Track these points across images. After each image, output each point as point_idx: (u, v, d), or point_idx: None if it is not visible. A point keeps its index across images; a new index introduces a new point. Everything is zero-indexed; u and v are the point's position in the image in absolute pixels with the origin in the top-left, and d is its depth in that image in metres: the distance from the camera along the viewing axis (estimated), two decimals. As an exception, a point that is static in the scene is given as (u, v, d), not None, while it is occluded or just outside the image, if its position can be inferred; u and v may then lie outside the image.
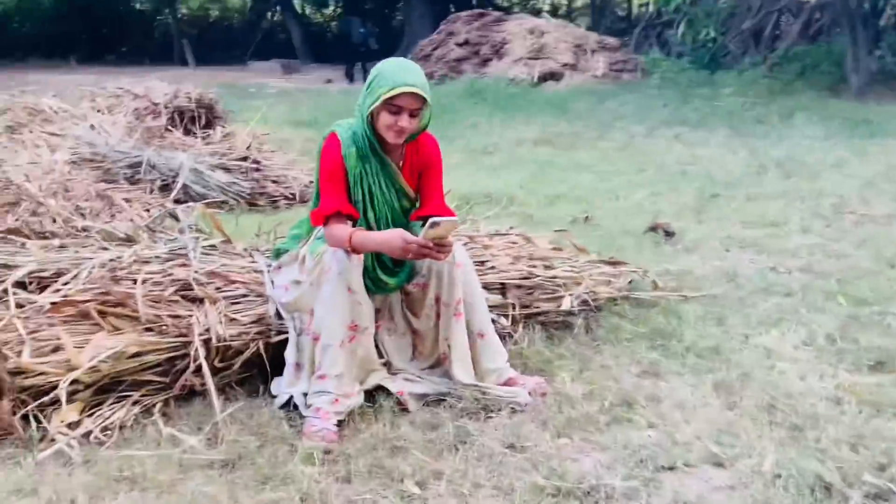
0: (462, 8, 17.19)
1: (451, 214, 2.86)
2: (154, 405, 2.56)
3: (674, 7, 13.29)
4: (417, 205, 2.89)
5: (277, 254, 3.04)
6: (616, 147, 7.89)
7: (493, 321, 3.18)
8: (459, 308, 2.79)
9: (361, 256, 2.66)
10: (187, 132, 7.24)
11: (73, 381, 2.43)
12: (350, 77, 16.83)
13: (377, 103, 2.59)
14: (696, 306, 3.57)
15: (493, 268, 3.40)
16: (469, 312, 2.82)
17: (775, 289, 3.81)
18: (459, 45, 13.64)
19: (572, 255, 3.80)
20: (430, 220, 2.44)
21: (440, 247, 2.52)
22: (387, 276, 2.81)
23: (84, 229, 3.08)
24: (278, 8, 24.36)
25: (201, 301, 2.79)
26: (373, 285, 2.79)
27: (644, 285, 3.75)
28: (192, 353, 2.57)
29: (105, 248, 2.94)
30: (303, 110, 10.75)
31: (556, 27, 13.59)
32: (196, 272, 2.80)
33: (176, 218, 3.21)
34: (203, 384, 2.67)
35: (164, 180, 5.49)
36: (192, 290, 2.82)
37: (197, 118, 7.41)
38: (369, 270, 2.75)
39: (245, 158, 5.55)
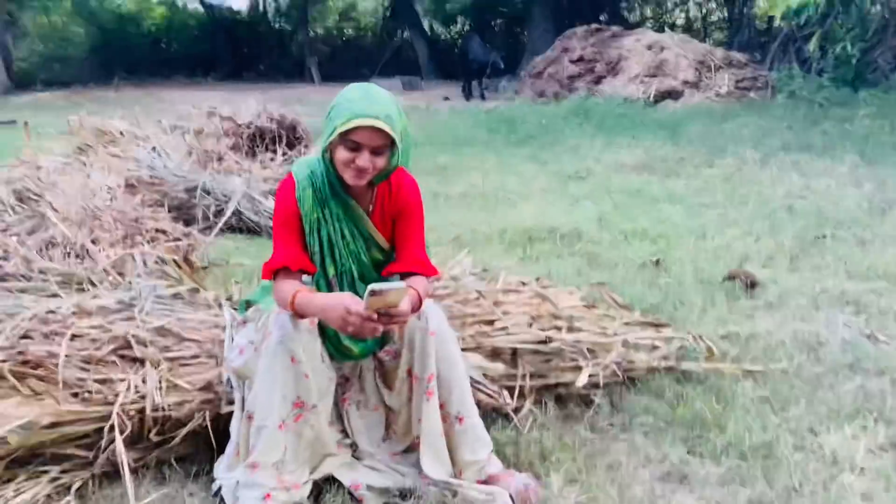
0: (586, 24, 16.56)
1: (429, 270, 2.42)
2: (72, 484, 2.26)
3: (803, 19, 12.07)
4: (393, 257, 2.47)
5: (245, 306, 2.70)
6: (721, 175, 7.09)
7: (492, 396, 2.71)
8: (431, 385, 2.34)
9: (314, 319, 2.26)
10: (267, 151, 7.16)
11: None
12: (467, 95, 16.58)
13: (332, 137, 2.20)
14: (754, 385, 2.93)
15: (504, 329, 2.90)
16: (445, 391, 2.36)
17: (864, 364, 3.08)
18: (573, 61, 13.05)
19: (611, 313, 3.23)
20: (369, 288, 2.02)
21: (388, 318, 2.09)
22: (351, 341, 2.38)
23: (41, 272, 2.86)
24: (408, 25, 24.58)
25: (143, 362, 2.47)
26: (336, 352, 2.40)
27: (697, 354, 3.12)
28: (109, 424, 2.25)
29: (55, 295, 2.70)
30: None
31: (679, 42, 12.71)
32: (139, 327, 2.48)
33: (143, 262, 2.94)
34: (137, 460, 2.37)
35: (218, 206, 5.34)
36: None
37: (278, 138, 7.32)
38: (329, 335, 2.35)
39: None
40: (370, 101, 2.19)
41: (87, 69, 22.48)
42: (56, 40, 24.28)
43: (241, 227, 5.28)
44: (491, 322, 2.94)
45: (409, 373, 2.39)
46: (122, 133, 5.68)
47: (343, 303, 2.07)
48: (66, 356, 2.36)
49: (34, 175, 5.24)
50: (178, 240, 4.19)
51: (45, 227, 4.10)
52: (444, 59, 23.09)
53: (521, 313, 3.00)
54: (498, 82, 17.44)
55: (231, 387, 2.47)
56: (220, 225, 5.07)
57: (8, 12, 22.54)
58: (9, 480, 2.23)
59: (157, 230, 4.21)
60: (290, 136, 7.49)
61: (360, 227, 2.40)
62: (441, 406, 2.35)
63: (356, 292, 2.45)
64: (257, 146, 7.21)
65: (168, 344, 2.56)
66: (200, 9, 26.86)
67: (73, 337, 2.47)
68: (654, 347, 3.10)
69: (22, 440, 2.22)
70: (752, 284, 4.02)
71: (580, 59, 12.98)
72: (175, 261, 2.96)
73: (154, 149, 5.55)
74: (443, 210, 5.91)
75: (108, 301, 2.62)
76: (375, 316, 2.07)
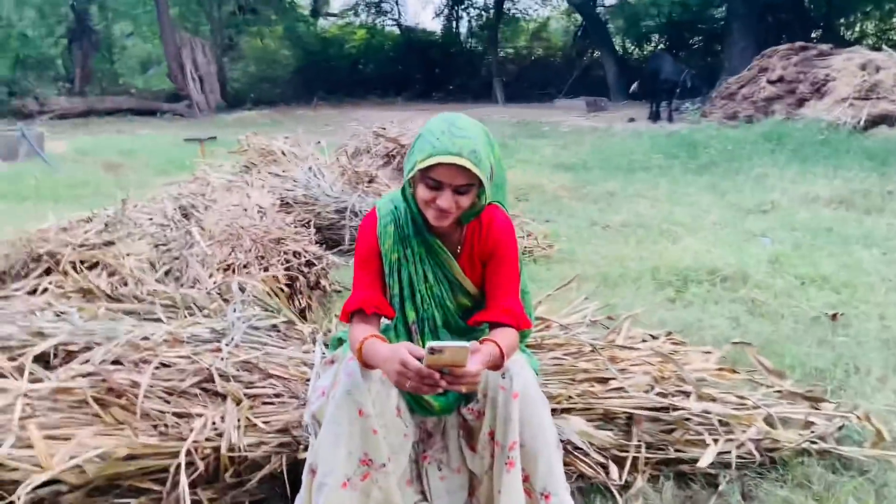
0: (792, 41, 15.25)
1: (520, 321, 2.14)
2: (145, 518, 2.21)
3: None
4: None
5: (337, 343, 2.55)
6: (935, 215, 6.11)
7: (598, 469, 2.36)
8: (513, 454, 2.05)
9: None
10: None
11: (55, 481, 2.15)
12: (654, 117, 15.82)
13: (412, 173, 1.99)
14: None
15: (619, 390, 2.54)
16: (529, 462, 2.06)
17: None
18: (772, 82, 12.01)
19: (758, 378, 2.75)
20: (428, 345, 1.78)
21: (453, 378, 1.83)
22: (431, 395, 2.15)
23: (151, 293, 2.87)
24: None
25: (225, 398, 2.38)
26: (416, 405, 2.18)
27: (862, 436, 2.57)
28: (177, 463, 2.16)
29: (157, 320, 2.69)
30: (573, 152, 10.16)
31: (898, 61, 11.30)
32: (224, 360, 2.39)
33: (241, 289, 2.87)
34: (212, 500, 2.28)
35: (365, 227, 5.31)
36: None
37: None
38: (409, 387, 2.13)
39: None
40: (453, 136, 1.96)
41: (291, 89, 24.08)
42: (267, 62, 26.27)
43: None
44: (605, 381, 2.59)
45: (492, 436, 2.12)
46: (283, 153, 5.83)
47: (400, 356, 1.83)
48: (150, 387, 2.31)
49: (199, 192, 5.51)
50: (312, 264, 4.15)
51: (190, 244, 4.22)
52: (634, 80, 22.34)
53: (642, 373, 2.61)
54: (685, 104, 16.52)
55: (308, 432, 2.32)
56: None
57: (228, 37, 24.69)
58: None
59: (294, 252, 4.20)
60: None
61: (445, 270, 2.17)
62: (524, 479, 2.06)
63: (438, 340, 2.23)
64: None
65: (253, 380, 2.45)
66: (397, 31, 27.96)
67: (161, 366, 2.42)
68: (809, 423, 2.58)
69: (98, 470, 2.19)
70: (952, 353, 3.32)
71: (780, 80, 11.92)
72: (276, 290, 2.87)
73: (310, 169, 5.64)
74: (596, 241, 5.52)
75: (201, 329, 2.56)
76: (437, 375, 1.82)
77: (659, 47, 24.78)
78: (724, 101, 12.71)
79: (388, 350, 1.91)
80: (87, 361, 2.39)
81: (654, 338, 2.84)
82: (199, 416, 2.32)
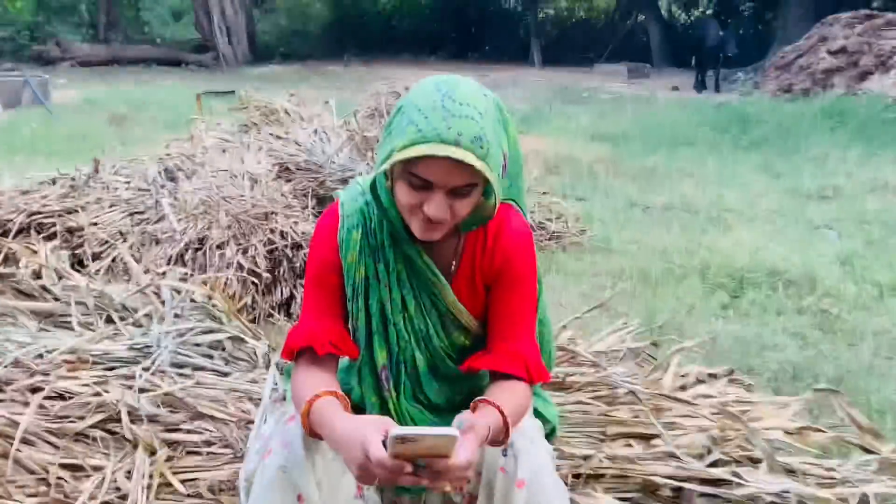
0: (855, 9, 14.12)
1: (533, 373, 1.52)
2: None
3: None
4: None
5: (290, 374, 1.95)
6: None
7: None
8: (516, 557, 1.43)
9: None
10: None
11: None
12: (699, 86, 14.88)
13: (387, 163, 1.35)
14: None
15: (667, 454, 1.89)
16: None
17: None
18: (832, 52, 11.02)
19: (849, 438, 2.09)
20: (391, 434, 1.16)
21: (432, 473, 1.22)
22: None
23: (70, 289, 2.27)
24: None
25: (136, 445, 1.78)
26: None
27: None
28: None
29: (69, 328, 2.09)
30: (612, 122, 9.36)
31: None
32: (137, 392, 1.79)
33: (177, 291, 2.25)
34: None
35: (371, 201, 4.68)
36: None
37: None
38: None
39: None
40: (449, 114, 1.30)
41: (322, 44, 23.27)
42: (298, 15, 25.43)
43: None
44: (647, 439, 1.95)
45: (487, 530, 1.50)
46: (287, 112, 5.19)
47: (365, 444, 1.21)
48: (29, 431, 1.73)
49: (190, 153, 4.91)
50: (301, 246, 3.53)
51: (159, 217, 3.63)
52: (679, 46, 21.21)
53: (696, 430, 1.96)
54: (736, 74, 15.54)
55: (241, 499, 1.72)
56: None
57: (259, -14, 23.93)
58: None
59: (281, 232, 3.59)
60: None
61: (432, 295, 1.54)
62: None
63: (423, 393, 1.61)
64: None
65: (175, 421, 1.84)
66: (434, -13, 26.92)
67: (55, 397, 1.83)
68: (916, 507, 1.93)
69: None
70: None
71: (841, 51, 10.93)
72: (221, 295, 2.26)
73: (316, 131, 5.00)
74: (634, 226, 4.82)
75: (118, 346, 1.96)
76: (408, 468, 1.20)
77: (707, 13, 23.55)
78: (778, 71, 11.74)
79: (348, 428, 1.27)
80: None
81: (712, 377, 2.18)
82: (97, 469, 1.73)
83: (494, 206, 1.44)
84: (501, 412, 1.39)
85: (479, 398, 1.43)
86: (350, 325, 1.56)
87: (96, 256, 3.35)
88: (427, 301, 1.54)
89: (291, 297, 3.42)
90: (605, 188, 6.02)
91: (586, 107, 11.36)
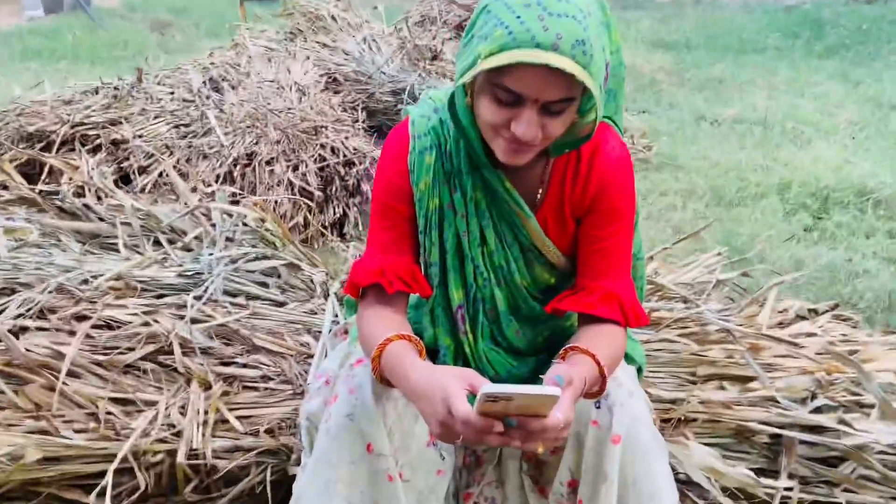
0: None
1: (631, 316, 1.34)
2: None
3: None
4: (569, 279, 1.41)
5: (351, 305, 1.80)
6: None
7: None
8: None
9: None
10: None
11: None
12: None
13: (470, 73, 1.14)
14: None
15: (767, 399, 1.71)
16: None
17: None
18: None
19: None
20: (482, 391, 0.99)
21: (525, 432, 1.05)
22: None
23: (116, 209, 2.12)
24: None
25: (189, 380, 1.67)
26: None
27: None
28: (106, 480, 1.49)
29: (115, 250, 1.95)
30: (674, 27, 8.83)
31: None
32: (188, 323, 1.66)
33: (228, 214, 2.08)
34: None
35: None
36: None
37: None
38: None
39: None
40: (546, 12, 1.08)
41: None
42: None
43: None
44: (743, 381, 1.77)
45: (572, 487, 1.36)
46: (334, 18, 4.92)
47: (446, 396, 1.05)
48: (79, 359, 1.62)
49: (235, 62, 4.70)
50: (353, 163, 3.35)
51: (206, 130, 3.47)
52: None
53: (798, 372, 1.77)
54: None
55: (300, 439, 1.60)
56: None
57: None
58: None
59: (332, 148, 3.40)
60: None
61: (515, 227, 1.35)
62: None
63: (502, 335, 1.44)
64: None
65: (231, 354, 1.72)
66: None
67: (103, 326, 1.71)
68: None
69: (4, 476, 1.53)
70: None
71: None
72: (274, 218, 2.08)
73: (364, 39, 4.73)
74: (703, 141, 4.51)
75: (167, 272, 1.82)
76: (499, 426, 1.05)
77: None
78: (854, -30, 10.90)
79: (427, 379, 1.11)
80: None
81: (813, 312, 1.97)
82: (150, 405, 1.62)
83: (594, 124, 1.23)
84: (597, 362, 1.22)
85: (570, 345, 1.25)
86: (421, 260, 1.39)
87: (142, 170, 3.22)
88: (509, 233, 1.35)
89: (344, 216, 3.26)
90: (670, 99, 5.67)
91: (645, 11, 10.73)
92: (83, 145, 3.46)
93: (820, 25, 8.21)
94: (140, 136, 3.52)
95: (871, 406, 1.72)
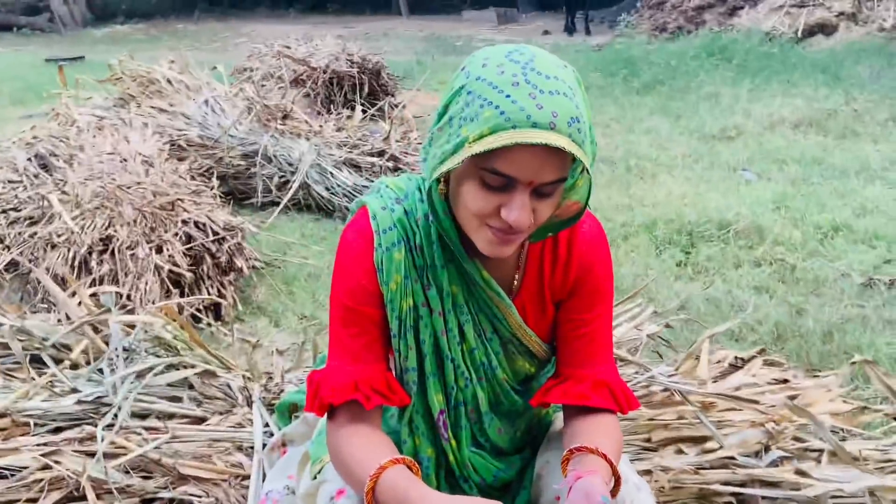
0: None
1: (622, 401, 1.25)
2: None
3: None
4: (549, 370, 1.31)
5: (287, 413, 1.60)
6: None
7: None
8: None
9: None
10: (346, 103, 6.02)
11: None
12: (569, 29, 14.88)
13: (455, 159, 1.00)
14: None
15: (726, 458, 1.68)
16: None
17: None
18: (701, -10, 11.23)
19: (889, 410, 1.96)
20: None
21: None
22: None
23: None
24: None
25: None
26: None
27: None
28: None
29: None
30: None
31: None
32: (101, 460, 1.38)
33: (130, 325, 1.79)
34: None
35: (282, 176, 4.25)
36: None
37: (358, 86, 6.14)
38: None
39: (381, 154, 4.11)
40: (538, 90, 0.99)
41: (168, 0, 21.64)
42: (139, -31, 23.50)
43: (308, 203, 4.19)
44: (701, 441, 1.73)
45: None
46: (169, 81, 4.59)
47: None
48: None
49: (62, 134, 4.26)
50: (224, 239, 3.08)
51: (47, 216, 3.07)
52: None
53: (748, 423, 1.76)
54: (607, 14, 15.66)
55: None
56: (283, 202, 4.02)
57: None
58: None
59: (196, 223, 3.11)
60: (374, 84, 6.31)
61: (495, 319, 1.22)
62: None
63: (484, 436, 1.31)
64: (333, 95, 6.07)
65: (154, 489, 1.44)
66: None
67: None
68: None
69: None
70: None
71: (709, -13, 11.16)
72: (178, 319, 1.81)
73: (206, 102, 4.45)
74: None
75: (63, 401, 1.52)
76: None
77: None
78: (650, 10, 11.85)
79: None
80: None
81: (743, 361, 1.99)
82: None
83: (583, 207, 1.14)
84: (609, 461, 1.11)
85: (575, 445, 1.14)
86: (395, 365, 1.23)
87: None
88: (488, 327, 1.23)
89: (220, 295, 2.99)
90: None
91: (464, 55, 11.03)
92: None
93: (633, 63, 8.78)
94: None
95: (819, 450, 1.74)
